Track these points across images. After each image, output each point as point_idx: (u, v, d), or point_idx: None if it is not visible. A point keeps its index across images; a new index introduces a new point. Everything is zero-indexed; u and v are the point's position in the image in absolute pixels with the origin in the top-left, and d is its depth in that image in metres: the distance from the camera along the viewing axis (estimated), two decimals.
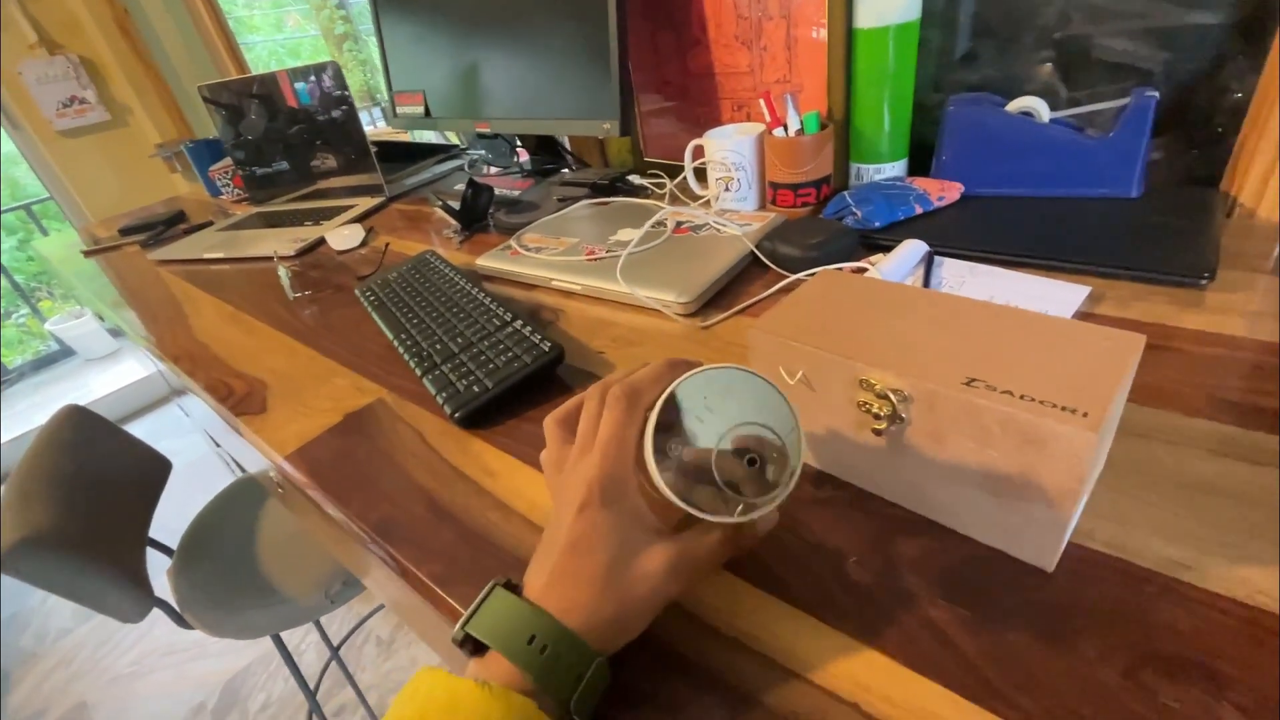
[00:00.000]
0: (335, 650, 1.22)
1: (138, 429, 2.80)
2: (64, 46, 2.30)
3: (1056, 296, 0.52)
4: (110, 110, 2.43)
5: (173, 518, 1.15)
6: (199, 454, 2.31)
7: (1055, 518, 0.30)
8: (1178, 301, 0.50)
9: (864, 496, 0.38)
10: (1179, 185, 0.66)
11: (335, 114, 1.23)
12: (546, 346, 0.55)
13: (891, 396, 0.33)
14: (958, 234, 0.63)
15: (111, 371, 3.02)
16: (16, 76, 2.24)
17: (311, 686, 1.47)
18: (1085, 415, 0.27)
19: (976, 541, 0.34)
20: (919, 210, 0.67)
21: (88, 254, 1.28)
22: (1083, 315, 0.50)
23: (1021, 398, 0.29)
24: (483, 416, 0.52)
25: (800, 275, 0.62)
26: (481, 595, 0.29)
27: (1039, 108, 0.64)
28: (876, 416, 0.34)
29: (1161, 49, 0.63)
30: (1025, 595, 0.31)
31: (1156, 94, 0.58)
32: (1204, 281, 0.50)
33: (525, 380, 0.53)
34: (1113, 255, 0.55)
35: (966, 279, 0.57)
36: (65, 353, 3.26)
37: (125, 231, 1.32)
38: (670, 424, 0.30)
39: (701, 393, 0.30)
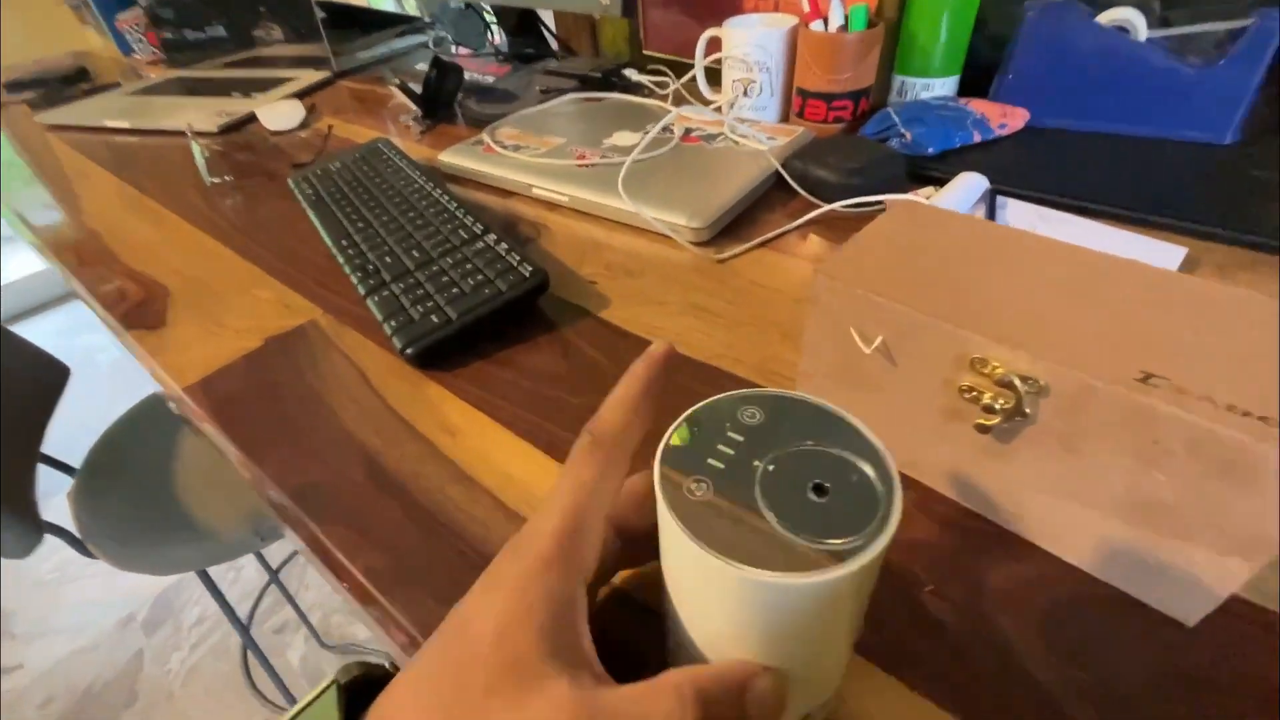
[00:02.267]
0: (274, 574, 1.14)
1: (57, 318, 2.56)
2: None
3: (1145, 257, 0.43)
4: None
5: (83, 429, 1.02)
6: (121, 352, 2.12)
7: (1231, 568, 0.22)
8: None
9: (934, 499, 0.30)
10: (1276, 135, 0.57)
11: None
12: (527, 271, 0.43)
13: (1018, 384, 0.24)
14: (1023, 171, 0.53)
15: (23, 252, 2.72)
16: None
17: (249, 607, 1.40)
18: None
19: (1088, 576, 0.26)
20: (977, 138, 0.57)
21: None
22: None
23: (1229, 409, 0.20)
24: (443, 355, 0.41)
25: (837, 205, 0.51)
26: (314, 692, 0.20)
27: (1137, 21, 0.53)
28: (988, 409, 0.25)
29: None
30: (1160, 656, 0.24)
31: None
32: None
33: (498, 311, 0.42)
34: (1210, 211, 0.46)
35: (1037, 226, 0.47)
36: None
37: (12, 87, 1.10)
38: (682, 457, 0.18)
39: (736, 411, 0.19)
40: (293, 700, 1.21)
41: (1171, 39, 0.56)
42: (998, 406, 0.25)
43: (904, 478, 0.31)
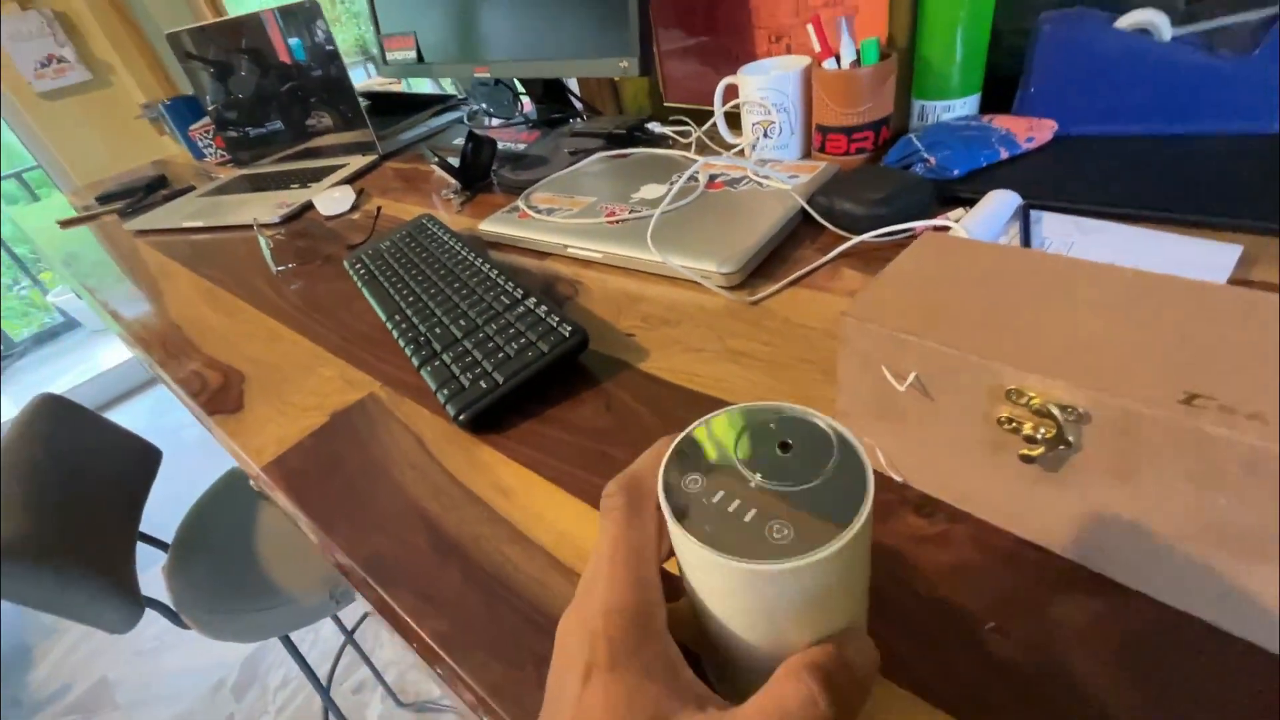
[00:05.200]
0: (349, 634, 1.18)
1: (145, 402, 2.77)
2: (36, 1, 2.16)
3: (1198, 260, 0.42)
4: (91, 69, 2.30)
5: (174, 503, 1.09)
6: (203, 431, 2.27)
7: None
8: None
9: (991, 531, 0.29)
10: None
11: (330, 70, 1.11)
12: (567, 331, 0.45)
13: (1057, 414, 0.24)
14: (1056, 183, 0.52)
15: (118, 342, 2.97)
16: None
17: (328, 668, 1.44)
18: None
19: (1162, 604, 0.25)
20: (1004, 154, 0.56)
21: (64, 224, 1.19)
22: (1237, 283, 0.40)
23: None
24: (493, 418, 0.43)
25: (866, 237, 0.52)
26: None
27: (1159, 22, 0.53)
28: (1030, 440, 0.25)
29: None
30: (1249, 688, 0.22)
31: None
32: None
33: (542, 372, 0.44)
34: (1263, 205, 0.44)
35: (1076, 239, 0.46)
36: (69, 325, 3.21)
37: (103, 199, 1.23)
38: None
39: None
40: None
41: (1201, 34, 0.55)
42: (1039, 436, 0.24)
43: (957, 512, 0.30)
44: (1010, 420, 0.25)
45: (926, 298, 0.29)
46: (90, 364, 2.86)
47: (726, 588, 0.18)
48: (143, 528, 0.91)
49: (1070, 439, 0.24)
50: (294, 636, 0.99)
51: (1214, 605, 0.24)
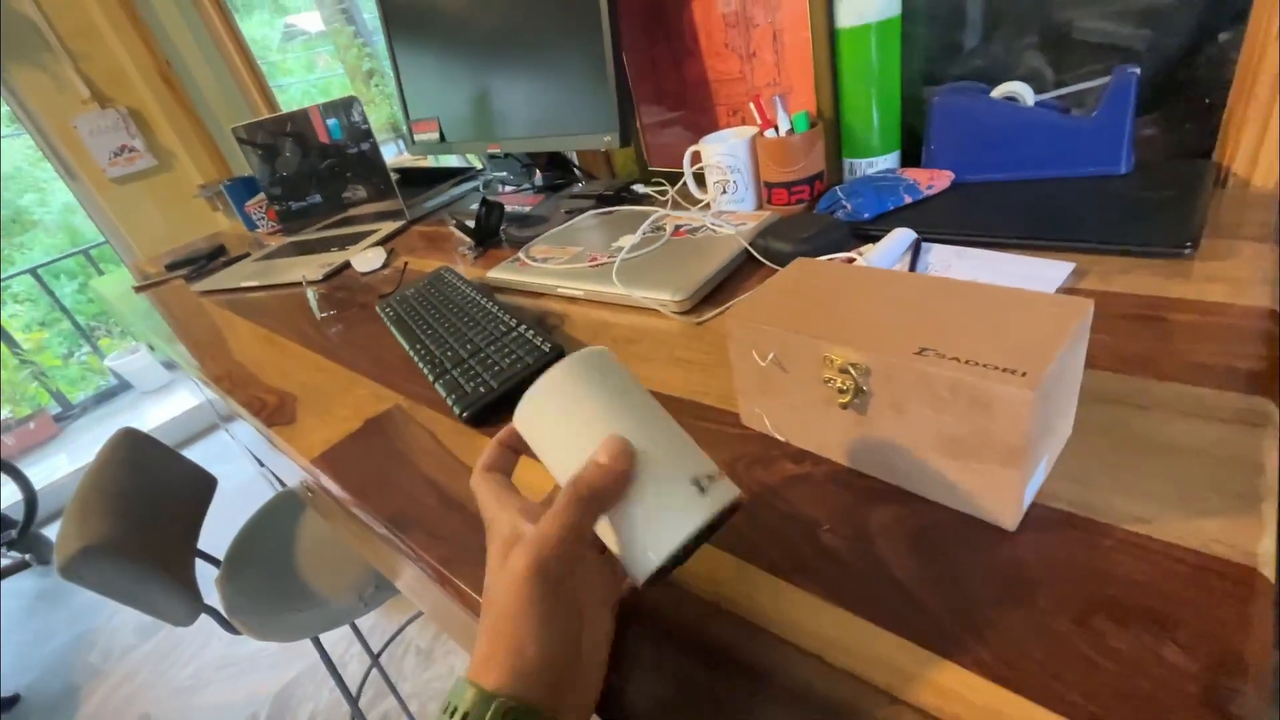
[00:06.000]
0: (375, 658, 1.27)
1: (189, 455, 2.95)
2: (114, 100, 2.47)
3: (1040, 274, 0.53)
4: (157, 156, 2.60)
5: (220, 534, 1.22)
6: (246, 477, 2.42)
7: (1009, 477, 0.32)
8: (1162, 273, 0.50)
9: (839, 470, 0.40)
10: (1171, 159, 0.66)
11: (362, 147, 1.31)
12: (547, 348, 0.58)
13: (852, 370, 0.35)
14: (946, 220, 0.64)
15: (165, 402, 3.19)
16: (72, 130, 2.41)
17: (354, 695, 1.52)
18: (1024, 375, 0.29)
19: (943, 506, 0.35)
20: (908, 200, 0.68)
21: (138, 289, 1.37)
22: (1066, 291, 0.51)
23: (967, 363, 0.31)
24: (489, 414, 0.55)
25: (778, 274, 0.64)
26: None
27: (1022, 92, 0.65)
28: (841, 391, 0.36)
29: (1144, 27, 0.64)
30: (987, 553, 0.33)
31: (1138, 70, 0.59)
32: (1187, 251, 0.50)
33: (527, 378, 0.56)
34: (1097, 231, 0.55)
35: (953, 263, 0.58)
36: (123, 386, 3.46)
37: (171, 267, 1.42)
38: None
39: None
40: None
41: (1062, 98, 0.68)
42: (846, 388, 0.36)
43: (814, 456, 0.41)
44: (830, 379, 0.37)
45: (785, 301, 0.41)
46: (140, 422, 3.07)
47: (540, 430, 0.32)
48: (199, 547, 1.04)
49: (864, 388, 0.35)
50: (323, 670, 1.08)
51: (964, 497, 0.34)
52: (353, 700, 1.09)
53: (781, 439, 0.43)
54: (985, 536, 0.33)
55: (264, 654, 1.79)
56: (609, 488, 0.29)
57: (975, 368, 0.30)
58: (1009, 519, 0.33)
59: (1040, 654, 0.27)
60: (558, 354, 0.57)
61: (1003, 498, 0.33)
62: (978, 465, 0.32)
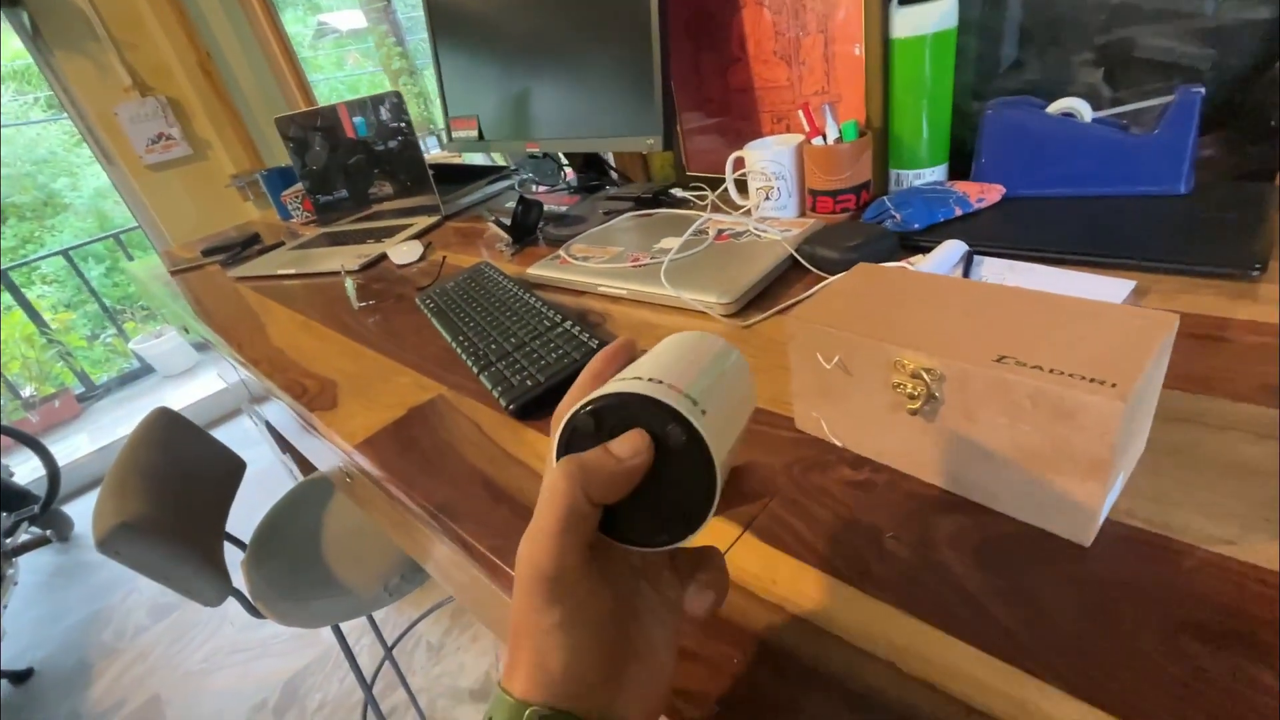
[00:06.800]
0: (389, 650, 1.27)
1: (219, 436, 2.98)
2: (154, 89, 2.52)
3: (1099, 291, 0.52)
4: (192, 145, 2.64)
5: (243, 518, 1.23)
6: (266, 463, 2.44)
7: (1089, 490, 0.31)
8: (1227, 293, 0.49)
9: (902, 478, 0.39)
10: (1232, 181, 0.65)
11: (393, 143, 1.32)
12: (595, 344, 0.58)
13: (925, 376, 0.35)
14: (998, 233, 0.64)
15: (186, 386, 3.23)
16: (113, 117, 2.46)
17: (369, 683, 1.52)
18: (1114, 386, 0.29)
19: (1013, 519, 0.35)
20: (959, 212, 0.68)
21: (174, 273, 1.39)
22: None
23: (1051, 372, 0.30)
24: (535, 407, 0.55)
25: (839, 278, 0.63)
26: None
27: (1081, 108, 0.65)
28: (911, 396, 0.36)
29: (1209, 46, 0.63)
30: (1061, 568, 0.32)
31: (1202, 89, 0.58)
32: (1255, 273, 0.49)
33: (575, 373, 0.56)
34: (1158, 249, 0.54)
35: (1006, 276, 0.57)
36: (146, 370, 3.50)
37: (207, 253, 1.44)
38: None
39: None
40: None
41: (1121, 115, 0.67)
42: (917, 394, 0.35)
43: (873, 463, 0.41)
44: (899, 385, 0.36)
45: (849, 305, 0.40)
46: (162, 404, 3.10)
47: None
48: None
49: (936, 394, 0.35)
50: (335, 658, 1.09)
51: (1038, 511, 0.33)
52: (367, 687, 1.09)
53: (839, 444, 0.43)
54: (1059, 551, 0.33)
55: (276, 641, 1.80)
56: (614, 479, 0.24)
57: (1060, 377, 0.30)
58: (1085, 534, 0.32)
59: (1127, 673, 0.27)
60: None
61: (1080, 513, 0.32)
62: (1054, 477, 0.32)
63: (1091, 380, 0.29)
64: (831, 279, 0.64)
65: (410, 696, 1.45)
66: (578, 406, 0.25)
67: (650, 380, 0.25)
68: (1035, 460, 0.32)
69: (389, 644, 1.29)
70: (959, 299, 0.38)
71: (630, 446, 0.24)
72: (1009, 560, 0.33)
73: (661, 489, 0.25)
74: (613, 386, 0.25)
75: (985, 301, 0.37)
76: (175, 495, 0.85)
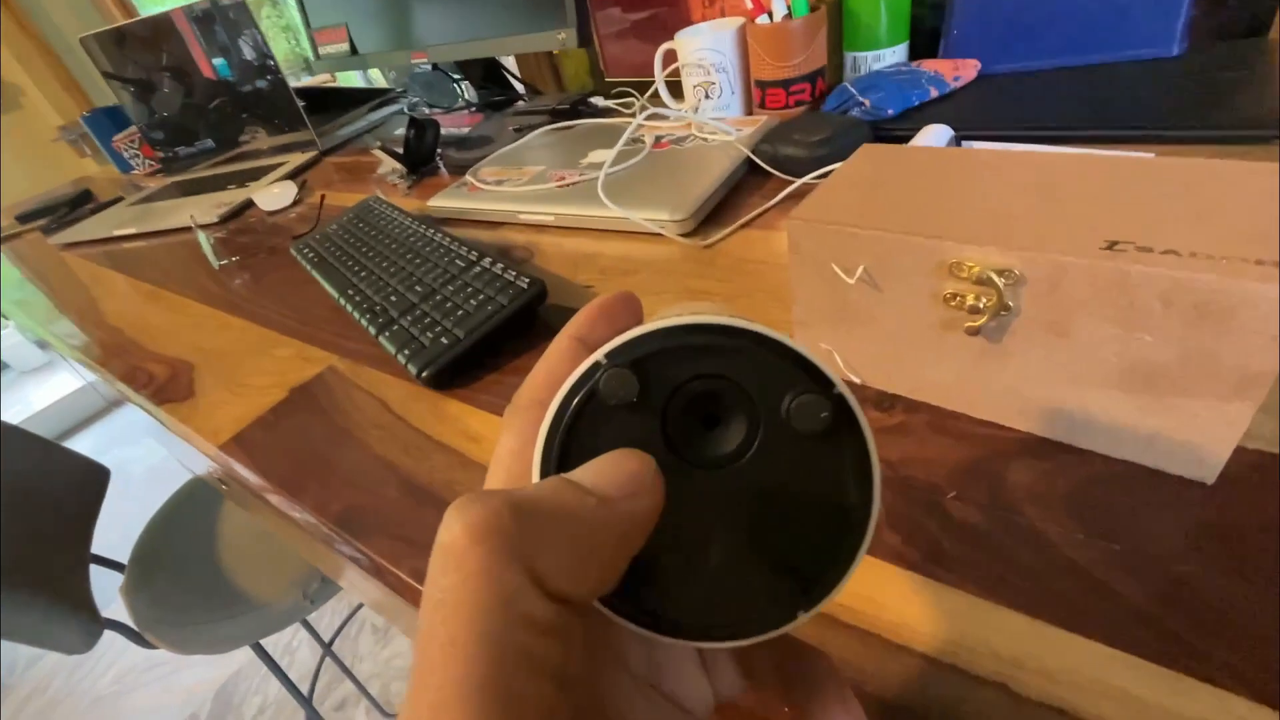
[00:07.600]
0: (327, 647, 1.15)
1: (84, 440, 2.63)
2: None
3: None
4: None
5: (128, 531, 1.04)
6: (159, 458, 2.17)
7: (1232, 415, 0.23)
8: (1257, 158, 0.42)
9: (947, 416, 0.31)
10: (1222, 40, 0.58)
11: (261, 64, 1.08)
12: (524, 283, 0.45)
13: (996, 280, 0.25)
14: (983, 114, 0.55)
15: (49, 383, 2.81)
16: None
17: (308, 687, 1.40)
18: None
19: (1104, 456, 0.27)
20: (934, 93, 0.58)
21: None
22: None
23: (1193, 256, 0.21)
24: (457, 372, 0.43)
25: (809, 178, 0.53)
26: None
27: None
28: (974, 310, 0.26)
29: None
30: (1187, 516, 0.24)
31: None
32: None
33: (503, 325, 0.43)
34: (1171, 116, 0.47)
35: None
36: None
37: (22, 218, 1.16)
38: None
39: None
40: None
41: None
42: (983, 305, 0.26)
43: (906, 400, 0.32)
44: (955, 296, 0.27)
45: (867, 196, 0.30)
46: (23, 405, 2.70)
47: None
48: (96, 552, 0.87)
49: (1010, 303, 0.25)
50: (266, 663, 0.95)
51: (1150, 448, 0.25)
52: (304, 700, 0.97)
53: (858, 380, 0.33)
54: (1175, 494, 0.25)
55: None
56: (593, 541, 0.12)
57: (1211, 261, 0.21)
58: (1210, 469, 0.25)
59: None
60: (539, 289, 0.45)
61: (1209, 446, 0.24)
62: (1183, 402, 0.24)
63: (1257, 263, 0.20)
64: (796, 183, 0.53)
65: (359, 687, 1.34)
66: (618, 342, 0.13)
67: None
68: (1157, 380, 0.24)
69: (327, 641, 1.16)
70: (1017, 176, 0.29)
71: (616, 471, 0.13)
72: (1114, 514, 0.25)
73: (737, 523, 0.13)
74: (686, 318, 0.13)
75: (1056, 175, 0.28)
76: (9, 528, 0.67)
